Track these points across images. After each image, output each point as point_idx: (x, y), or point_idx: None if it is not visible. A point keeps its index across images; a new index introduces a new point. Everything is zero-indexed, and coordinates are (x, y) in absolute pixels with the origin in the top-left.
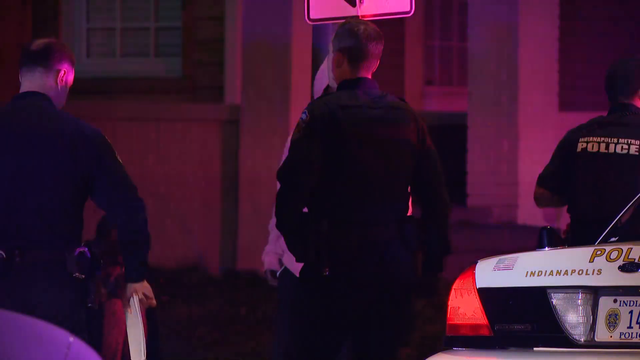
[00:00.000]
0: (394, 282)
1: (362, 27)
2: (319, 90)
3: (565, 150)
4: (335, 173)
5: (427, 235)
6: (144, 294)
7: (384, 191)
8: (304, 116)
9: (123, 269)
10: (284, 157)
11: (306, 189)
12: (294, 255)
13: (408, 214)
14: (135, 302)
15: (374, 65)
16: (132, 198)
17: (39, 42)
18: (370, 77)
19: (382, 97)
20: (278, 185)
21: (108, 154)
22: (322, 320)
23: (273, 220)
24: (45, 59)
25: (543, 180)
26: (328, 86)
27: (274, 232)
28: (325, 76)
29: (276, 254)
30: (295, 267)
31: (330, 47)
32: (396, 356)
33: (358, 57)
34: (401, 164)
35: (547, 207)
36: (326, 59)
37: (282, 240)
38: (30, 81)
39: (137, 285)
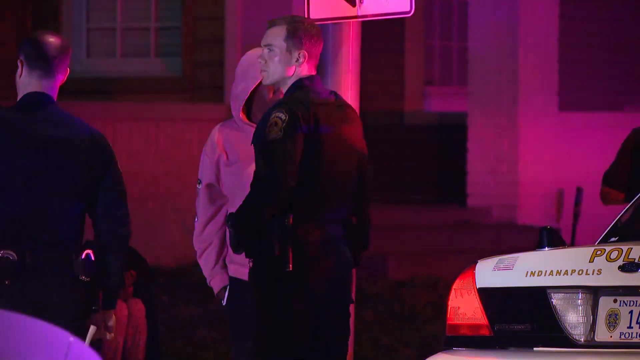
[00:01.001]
0: (345, 281)
1: (309, 23)
2: (245, 89)
3: (629, 148)
4: (306, 170)
5: (354, 232)
6: (108, 327)
7: (343, 189)
8: (282, 116)
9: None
10: (202, 160)
11: (289, 188)
12: (248, 251)
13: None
14: (90, 333)
15: None
16: (125, 214)
17: (56, 44)
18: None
19: (337, 95)
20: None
21: (114, 162)
22: (285, 318)
23: (200, 238)
24: (63, 64)
25: (608, 178)
26: (258, 85)
27: (209, 251)
28: (251, 76)
29: (222, 270)
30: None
31: (279, 45)
32: (345, 357)
33: (315, 55)
34: (356, 163)
35: (613, 204)
36: (251, 56)
37: (223, 252)
38: (43, 82)
39: (108, 314)
